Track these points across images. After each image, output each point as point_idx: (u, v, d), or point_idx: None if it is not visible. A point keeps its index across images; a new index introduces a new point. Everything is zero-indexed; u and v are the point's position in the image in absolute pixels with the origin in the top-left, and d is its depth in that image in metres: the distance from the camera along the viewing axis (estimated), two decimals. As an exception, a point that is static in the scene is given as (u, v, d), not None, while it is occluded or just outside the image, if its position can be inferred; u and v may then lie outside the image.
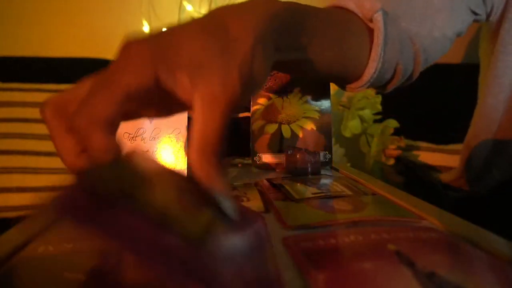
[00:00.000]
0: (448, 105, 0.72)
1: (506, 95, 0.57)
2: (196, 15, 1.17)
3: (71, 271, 0.21)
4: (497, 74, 0.57)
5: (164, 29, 0.21)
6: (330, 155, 0.53)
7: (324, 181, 0.44)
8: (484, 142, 0.60)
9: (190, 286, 0.15)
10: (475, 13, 0.51)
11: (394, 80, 0.44)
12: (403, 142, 0.90)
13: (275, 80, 0.54)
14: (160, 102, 0.22)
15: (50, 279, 0.21)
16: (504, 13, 0.55)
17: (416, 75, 0.47)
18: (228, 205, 0.19)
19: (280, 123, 0.54)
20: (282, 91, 0.54)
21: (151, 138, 0.45)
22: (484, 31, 0.63)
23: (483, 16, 0.54)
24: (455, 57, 1.08)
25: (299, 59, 0.30)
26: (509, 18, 0.54)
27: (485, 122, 0.60)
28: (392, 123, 0.89)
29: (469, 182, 0.62)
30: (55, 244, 0.25)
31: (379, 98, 0.91)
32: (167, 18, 1.19)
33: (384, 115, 0.93)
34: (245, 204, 0.34)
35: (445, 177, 0.70)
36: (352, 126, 0.90)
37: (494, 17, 0.56)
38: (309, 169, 0.47)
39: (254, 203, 0.35)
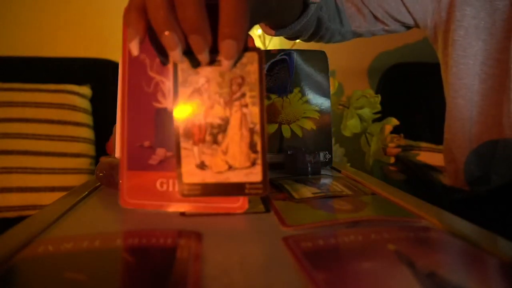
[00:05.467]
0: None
1: (472, 95, 0.60)
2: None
3: (71, 271, 0.21)
4: (460, 76, 0.60)
5: None
6: (330, 155, 0.53)
7: (324, 181, 0.44)
8: (463, 144, 0.61)
9: None
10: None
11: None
12: (403, 140, 0.90)
13: (275, 80, 0.54)
14: None
15: (50, 279, 0.21)
16: (450, 20, 0.60)
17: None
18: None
19: (280, 123, 0.54)
20: (282, 91, 0.54)
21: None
22: (431, 35, 0.66)
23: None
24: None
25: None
26: (463, 26, 0.58)
27: (460, 124, 0.61)
28: (392, 121, 0.89)
29: (469, 185, 0.63)
30: (55, 244, 0.25)
31: (378, 98, 0.91)
32: (167, 18, 1.18)
33: (384, 114, 0.93)
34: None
35: (443, 180, 0.70)
36: (351, 125, 0.90)
37: (432, 24, 0.63)
38: (309, 169, 0.47)
39: (255, 203, 0.35)
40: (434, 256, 0.23)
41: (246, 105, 0.29)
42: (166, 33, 0.26)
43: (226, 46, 0.27)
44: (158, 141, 0.32)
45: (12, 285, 0.20)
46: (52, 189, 0.91)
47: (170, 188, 0.32)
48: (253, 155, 0.29)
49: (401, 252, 0.23)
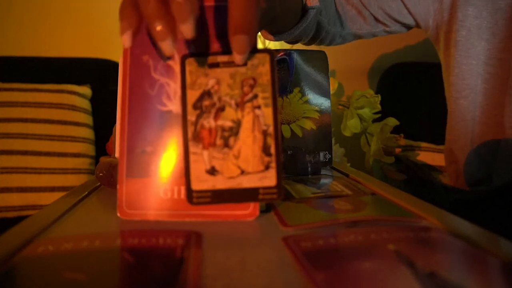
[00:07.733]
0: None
1: (476, 96, 0.59)
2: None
3: (71, 271, 0.21)
4: (463, 77, 0.60)
5: None
6: (330, 155, 0.53)
7: (324, 181, 0.44)
8: (465, 145, 0.61)
9: None
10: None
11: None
12: (403, 140, 0.90)
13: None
14: None
15: (50, 279, 0.21)
16: (452, 21, 0.60)
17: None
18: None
19: (280, 123, 0.54)
20: (282, 91, 0.54)
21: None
22: (433, 36, 0.66)
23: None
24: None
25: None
26: (466, 26, 0.58)
27: (462, 125, 0.61)
28: (392, 121, 0.89)
29: (470, 186, 0.62)
30: (55, 244, 0.25)
31: (378, 98, 0.91)
32: (167, 18, 1.18)
33: (384, 114, 0.93)
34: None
35: (444, 180, 0.70)
36: (351, 125, 0.90)
37: (434, 24, 0.62)
38: (309, 169, 0.47)
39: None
40: (434, 256, 0.23)
41: (258, 107, 0.29)
42: (156, 23, 0.25)
43: (238, 40, 0.26)
44: (161, 145, 0.31)
45: (12, 285, 0.20)
46: (52, 189, 0.91)
47: (176, 196, 0.30)
48: (266, 158, 0.28)
49: (401, 252, 0.23)
